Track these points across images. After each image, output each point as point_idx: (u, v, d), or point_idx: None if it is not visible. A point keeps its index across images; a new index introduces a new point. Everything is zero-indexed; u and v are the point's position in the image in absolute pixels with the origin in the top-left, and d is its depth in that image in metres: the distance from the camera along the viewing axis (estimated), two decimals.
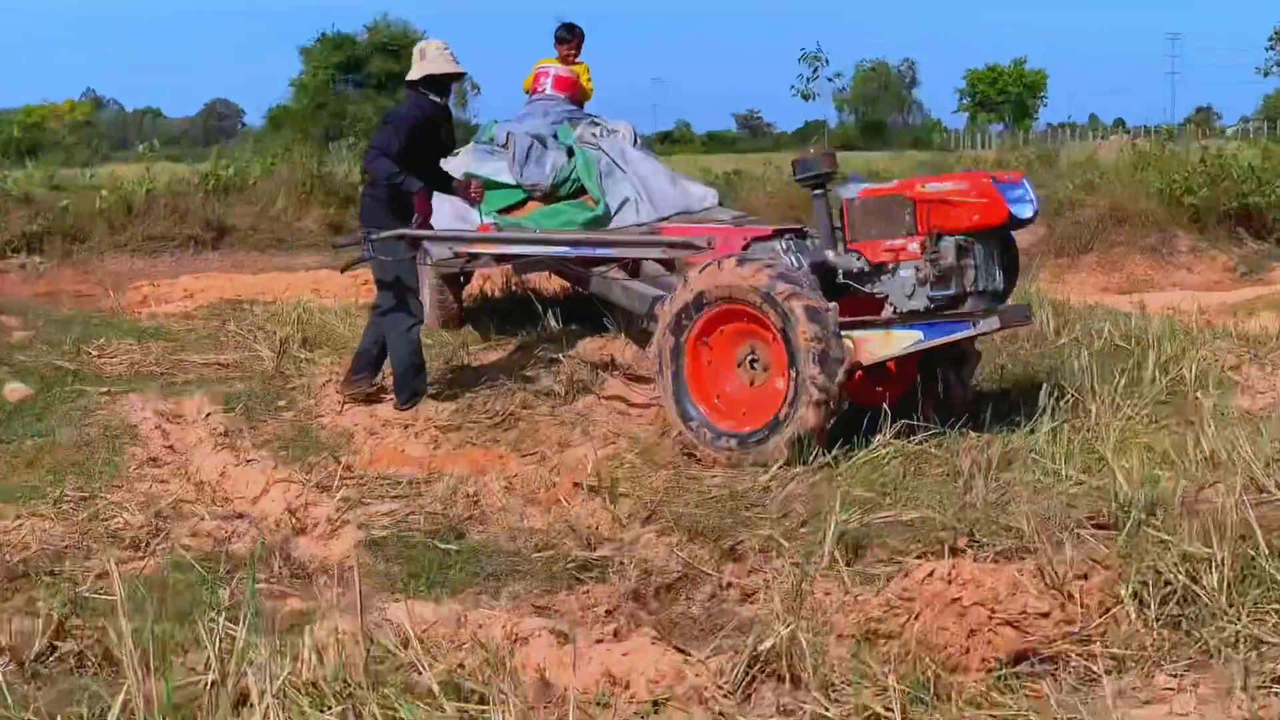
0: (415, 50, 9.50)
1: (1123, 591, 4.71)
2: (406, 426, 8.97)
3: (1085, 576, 4.86)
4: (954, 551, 5.53)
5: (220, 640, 4.10)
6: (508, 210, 11.21)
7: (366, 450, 8.50)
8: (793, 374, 7.48)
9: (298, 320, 11.56)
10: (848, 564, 5.50)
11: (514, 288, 12.84)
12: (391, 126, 9.20)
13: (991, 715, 4.12)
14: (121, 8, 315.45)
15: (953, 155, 26.41)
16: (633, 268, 10.41)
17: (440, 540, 6.31)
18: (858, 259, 7.93)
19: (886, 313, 7.86)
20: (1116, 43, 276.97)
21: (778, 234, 8.38)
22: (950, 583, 4.62)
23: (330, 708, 3.92)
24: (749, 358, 7.91)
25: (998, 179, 7.70)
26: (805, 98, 26.81)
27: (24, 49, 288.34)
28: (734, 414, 7.86)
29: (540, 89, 12.31)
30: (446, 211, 10.82)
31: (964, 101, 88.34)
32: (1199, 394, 8.23)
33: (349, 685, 4.05)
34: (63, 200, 21.01)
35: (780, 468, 7.22)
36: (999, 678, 4.35)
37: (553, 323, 10.71)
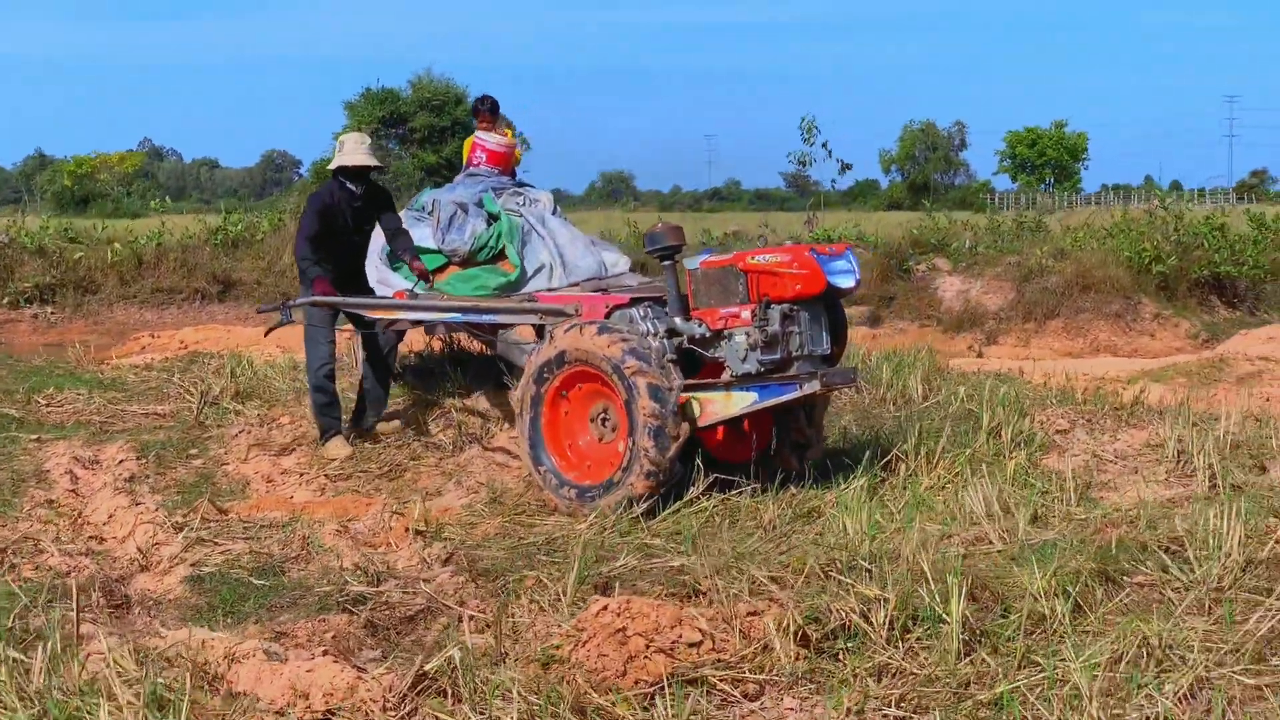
0: (338, 141, 10.45)
1: (770, 626, 5.35)
2: (301, 474, 9.72)
3: (757, 613, 5.53)
4: (696, 593, 6.17)
5: None
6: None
7: (255, 496, 9.24)
8: (631, 442, 8.14)
9: (231, 373, 12.31)
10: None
11: (447, 347, 13.53)
12: (306, 211, 10.38)
13: None
14: (181, 58, 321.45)
15: (943, 217, 26.85)
16: (539, 331, 11.09)
17: (256, 577, 7.03)
18: (699, 325, 8.56)
19: (725, 376, 8.50)
20: (1176, 104, 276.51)
21: (634, 302, 9.04)
22: (619, 615, 5.28)
23: (32, 708, 4.66)
24: (601, 415, 8.58)
25: (819, 251, 8.23)
26: (802, 164, 27.25)
27: (83, 99, 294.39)
28: (580, 466, 8.52)
29: (476, 162, 13.08)
30: (370, 277, 11.63)
31: (1004, 164, 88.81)
32: (1014, 455, 8.84)
33: (66, 695, 4.79)
34: (76, 253, 21.94)
35: (599, 517, 7.86)
36: (645, 697, 5.01)
37: (461, 379, 11.39)
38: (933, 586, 5.74)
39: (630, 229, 26.45)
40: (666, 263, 8.91)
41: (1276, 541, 6.49)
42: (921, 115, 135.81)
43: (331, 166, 10.45)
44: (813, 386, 8.13)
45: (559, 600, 6.13)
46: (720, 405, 8.34)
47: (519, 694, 4.83)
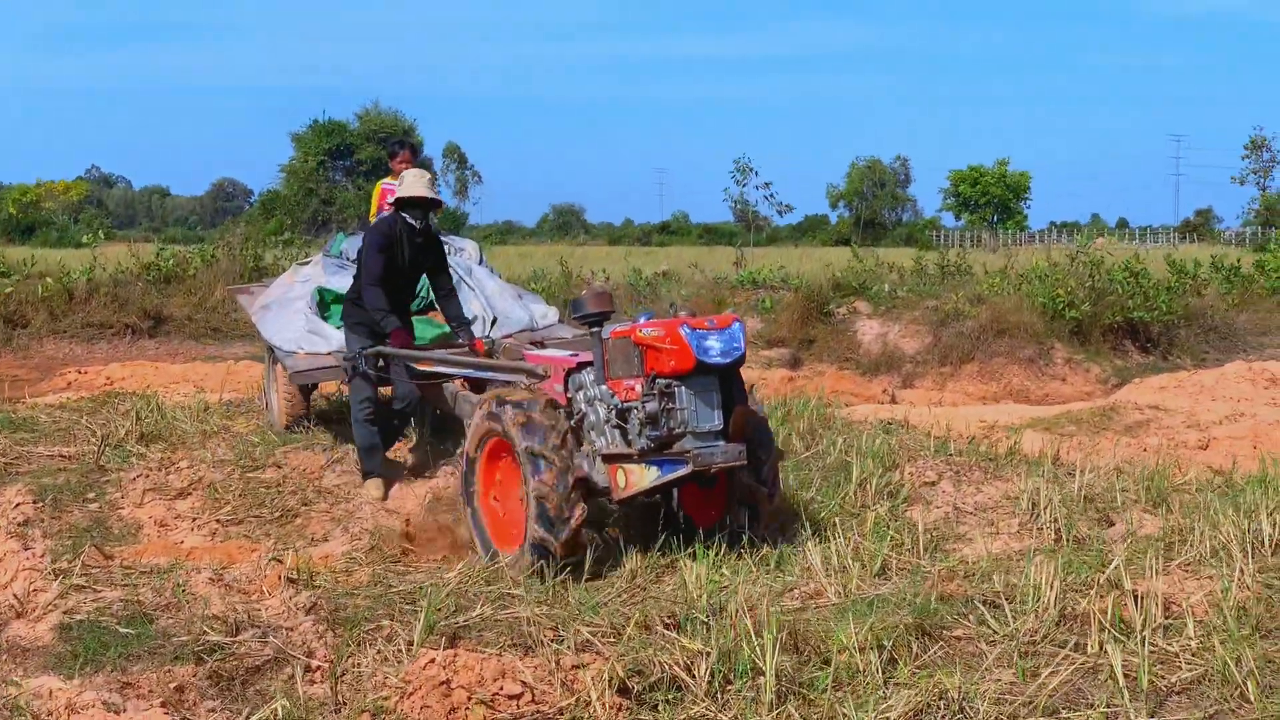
0: (401, 175, 10.98)
1: (588, 679, 5.66)
2: (194, 519, 9.95)
3: (583, 666, 5.83)
4: (537, 644, 6.46)
5: None
6: None
7: (145, 541, 9.46)
8: (524, 488, 8.14)
9: (137, 415, 12.52)
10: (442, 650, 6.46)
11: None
12: (368, 249, 10.63)
13: None
14: (127, 85, 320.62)
15: (871, 259, 27.29)
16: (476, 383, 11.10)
17: (123, 625, 7.26)
18: (612, 396, 8.43)
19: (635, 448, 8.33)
20: (1124, 142, 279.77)
21: (581, 366, 8.86)
22: (444, 668, 5.58)
23: None
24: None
25: (693, 326, 8.07)
26: (737, 207, 27.59)
27: (28, 125, 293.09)
28: (518, 529, 8.41)
29: (386, 208, 13.36)
30: (299, 324, 11.77)
31: (948, 201, 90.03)
32: (876, 507, 9.16)
33: None
34: (6, 286, 22.10)
35: (468, 567, 8.13)
36: None
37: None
38: (754, 640, 6.05)
39: (562, 267, 26.73)
40: (594, 329, 8.67)
41: (1097, 595, 6.83)
42: (869, 151, 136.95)
43: (391, 199, 10.79)
44: (691, 464, 8.01)
45: (404, 650, 6.40)
46: (638, 477, 8.20)
47: None
